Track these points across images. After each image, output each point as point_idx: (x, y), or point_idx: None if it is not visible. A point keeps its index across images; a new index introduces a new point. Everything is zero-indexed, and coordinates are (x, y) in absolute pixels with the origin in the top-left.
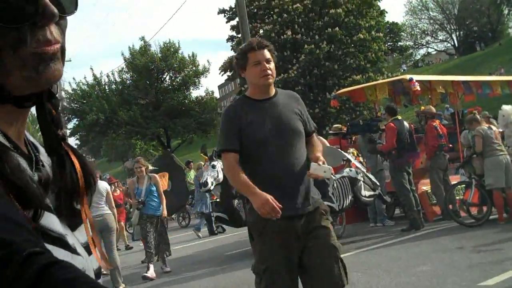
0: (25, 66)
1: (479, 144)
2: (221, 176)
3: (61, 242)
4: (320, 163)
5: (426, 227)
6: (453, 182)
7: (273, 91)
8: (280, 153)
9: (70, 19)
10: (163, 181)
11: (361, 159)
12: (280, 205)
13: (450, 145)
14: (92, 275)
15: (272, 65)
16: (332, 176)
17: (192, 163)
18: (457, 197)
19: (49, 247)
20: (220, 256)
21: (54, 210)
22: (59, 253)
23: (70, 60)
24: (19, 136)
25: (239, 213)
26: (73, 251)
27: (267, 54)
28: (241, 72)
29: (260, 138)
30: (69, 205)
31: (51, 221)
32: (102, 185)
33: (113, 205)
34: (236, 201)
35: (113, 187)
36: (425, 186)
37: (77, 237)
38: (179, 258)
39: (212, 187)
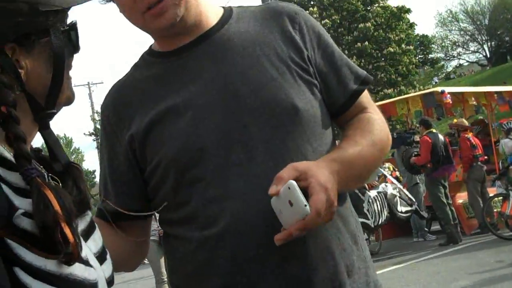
0: (69, 87)
1: None
2: None
3: None
4: (279, 188)
5: (464, 240)
6: (490, 195)
7: (209, 17)
8: (239, 183)
9: (101, 43)
10: None
11: (397, 173)
12: None
13: (486, 157)
14: (105, 284)
15: None
16: (307, 208)
17: None
18: (494, 210)
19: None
20: None
21: None
22: (74, 266)
23: (102, 83)
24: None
25: None
26: (86, 263)
27: None
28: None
29: (179, 152)
30: (79, 208)
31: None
32: None
33: None
34: None
35: None
36: (461, 199)
37: (90, 247)
38: None
39: None
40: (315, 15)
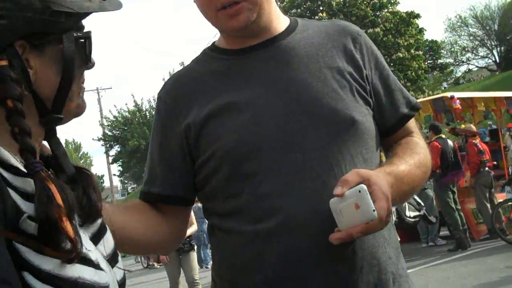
0: (78, 94)
1: None
2: None
3: (85, 260)
4: (344, 190)
5: (472, 246)
6: (499, 200)
7: (278, 24)
8: (294, 181)
9: (110, 49)
10: None
11: None
12: None
13: (495, 162)
14: (116, 287)
15: None
16: (375, 214)
17: None
18: (503, 216)
19: (73, 266)
20: None
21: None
22: (83, 270)
23: (111, 88)
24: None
25: None
26: (96, 266)
27: None
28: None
29: (235, 147)
30: (88, 218)
31: None
32: None
33: None
34: None
35: None
36: (470, 204)
37: (100, 250)
38: None
39: None
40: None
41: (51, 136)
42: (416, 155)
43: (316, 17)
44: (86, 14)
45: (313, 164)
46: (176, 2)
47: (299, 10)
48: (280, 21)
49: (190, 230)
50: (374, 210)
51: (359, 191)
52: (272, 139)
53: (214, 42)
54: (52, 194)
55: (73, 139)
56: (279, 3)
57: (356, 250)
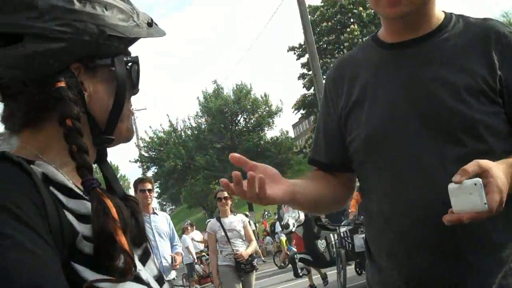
0: (129, 117)
1: None
2: (302, 217)
3: (137, 279)
4: (462, 179)
5: None
6: None
7: (434, 20)
8: (410, 173)
9: (144, 71)
10: None
11: None
12: None
13: None
14: None
15: None
16: (486, 206)
17: None
18: None
19: (127, 284)
20: None
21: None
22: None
23: (146, 109)
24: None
25: (323, 254)
26: (148, 285)
27: None
28: None
29: (366, 137)
30: (136, 240)
31: None
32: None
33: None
34: (319, 241)
35: None
36: None
37: (148, 272)
38: None
39: (293, 229)
40: (356, 33)
41: (102, 160)
42: None
43: (348, 29)
44: (135, 39)
45: (429, 160)
46: (176, 2)
47: (330, 23)
48: (434, 17)
49: (251, 248)
50: (485, 204)
51: (475, 184)
52: (396, 134)
53: (378, 30)
54: (108, 208)
55: (110, 161)
56: (310, 16)
57: (458, 232)
